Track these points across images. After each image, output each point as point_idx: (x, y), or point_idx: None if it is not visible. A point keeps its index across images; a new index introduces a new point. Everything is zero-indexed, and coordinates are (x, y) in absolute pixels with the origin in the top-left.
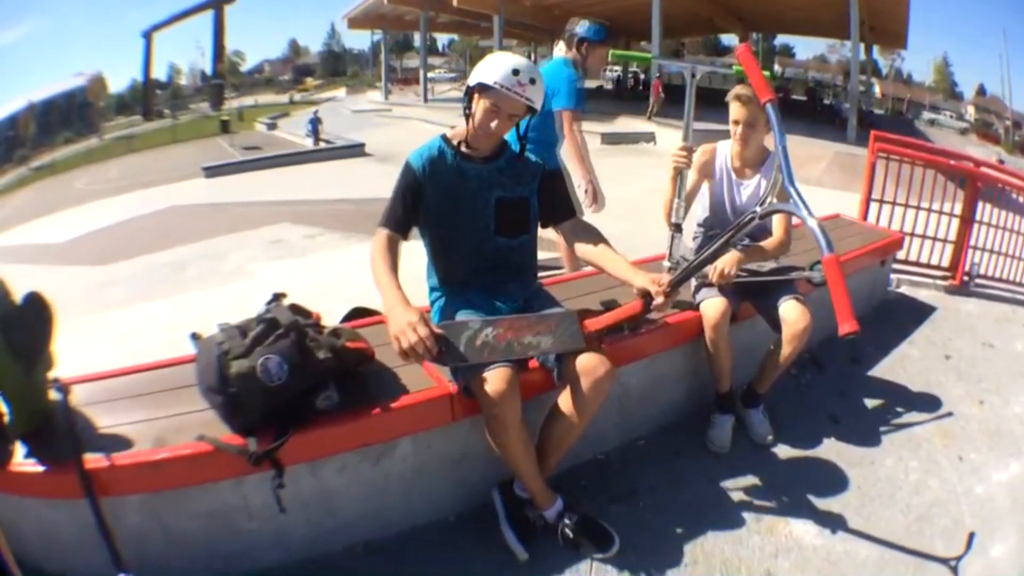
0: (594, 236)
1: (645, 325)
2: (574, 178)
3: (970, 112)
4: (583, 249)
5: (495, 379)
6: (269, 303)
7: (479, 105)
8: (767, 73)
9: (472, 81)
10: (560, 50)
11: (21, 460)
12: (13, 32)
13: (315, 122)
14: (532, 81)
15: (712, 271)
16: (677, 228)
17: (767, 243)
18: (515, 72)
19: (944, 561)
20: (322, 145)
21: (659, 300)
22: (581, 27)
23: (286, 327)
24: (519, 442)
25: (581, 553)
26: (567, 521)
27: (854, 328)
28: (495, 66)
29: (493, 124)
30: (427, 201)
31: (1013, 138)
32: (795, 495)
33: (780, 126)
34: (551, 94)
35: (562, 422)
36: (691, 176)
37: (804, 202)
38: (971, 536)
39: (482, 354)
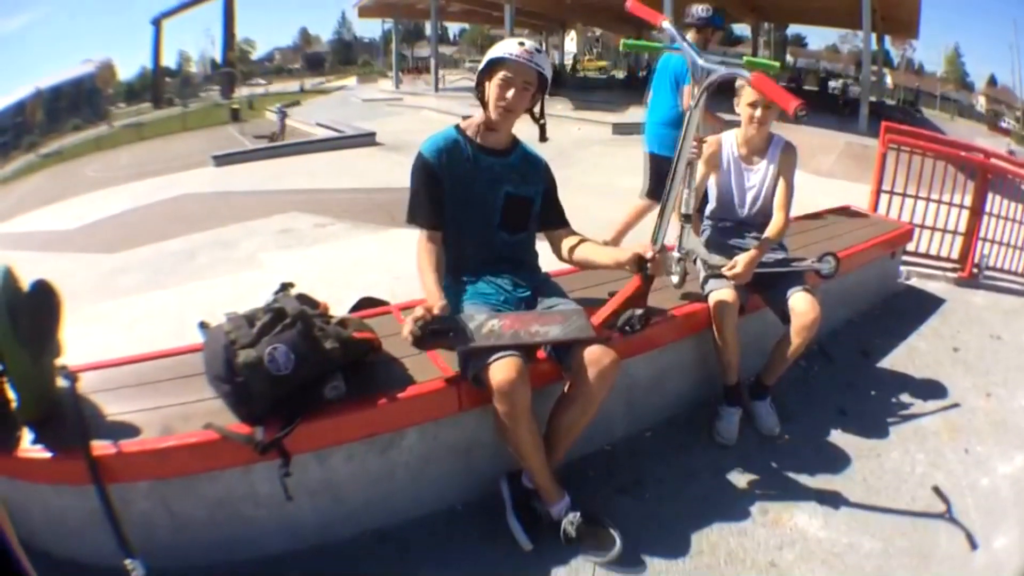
0: (580, 239)
1: (655, 316)
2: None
3: (981, 103)
4: (573, 254)
5: (504, 367)
6: (276, 293)
7: (492, 83)
8: (778, 63)
9: (482, 65)
10: (691, 36)
11: (28, 446)
12: (21, 17)
13: (282, 117)
14: (538, 51)
15: (728, 268)
16: (687, 219)
17: (770, 229)
18: (520, 44)
19: (947, 554)
20: (288, 140)
21: (649, 255)
22: (705, 11)
23: (293, 317)
24: (528, 433)
25: (581, 552)
26: (571, 519)
27: (799, 101)
28: (501, 45)
29: (510, 94)
30: (446, 189)
31: None
32: (801, 487)
33: (680, 32)
34: (681, 77)
35: (569, 412)
36: (699, 169)
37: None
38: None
39: (488, 339)
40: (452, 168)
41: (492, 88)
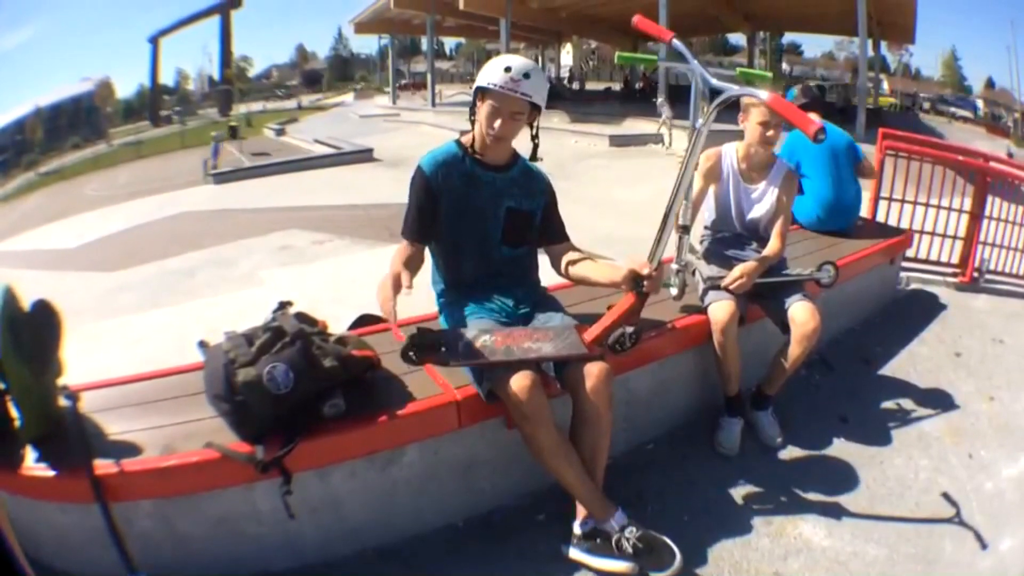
0: (583, 257)
1: (649, 332)
2: None
3: (979, 106)
4: (570, 270)
5: (519, 379)
6: (275, 311)
7: (482, 109)
8: (770, 73)
9: (474, 86)
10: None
11: (32, 464)
12: (19, 35)
13: (218, 145)
14: (526, 76)
15: (728, 277)
16: (684, 230)
17: (767, 251)
18: (507, 70)
19: (952, 560)
20: (222, 168)
21: (645, 271)
22: (819, 89)
23: (292, 335)
24: (555, 443)
25: (642, 566)
26: (627, 534)
27: (818, 124)
28: (490, 68)
29: (496, 124)
30: (444, 205)
31: (1022, 131)
32: (804, 496)
33: (691, 54)
34: (846, 151)
35: (585, 435)
36: (696, 182)
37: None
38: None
39: (481, 355)
40: (451, 183)
41: (482, 115)
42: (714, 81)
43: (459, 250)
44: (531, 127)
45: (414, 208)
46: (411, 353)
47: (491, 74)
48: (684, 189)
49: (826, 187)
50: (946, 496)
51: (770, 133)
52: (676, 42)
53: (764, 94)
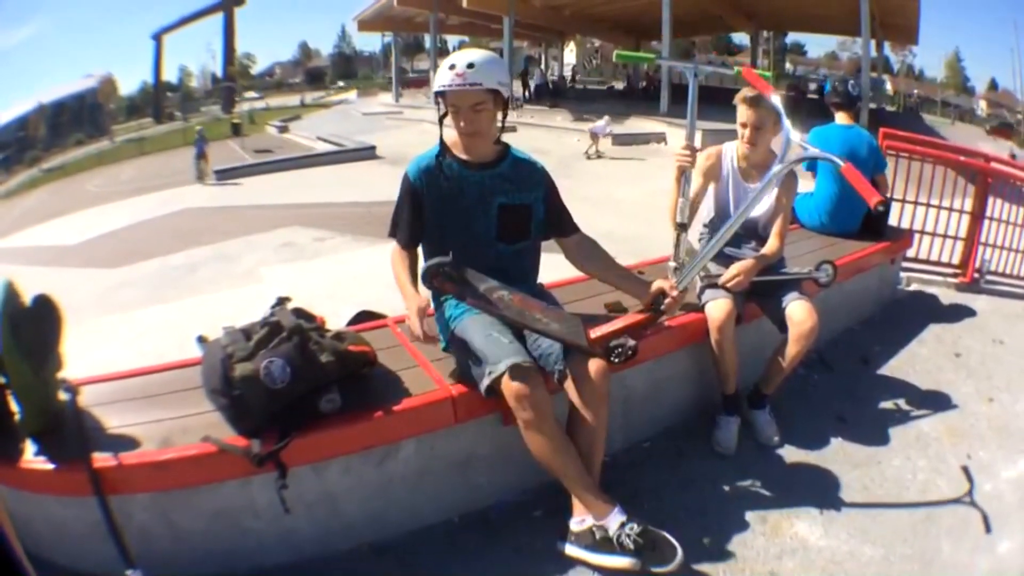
0: (598, 252)
1: (649, 328)
2: None
3: (982, 107)
4: (589, 265)
5: (519, 373)
6: (273, 307)
7: (448, 112)
8: (769, 73)
9: (432, 92)
10: (841, 118)
11: (31, 457)
12: (22, 32)
13: (201, 143)
14: (470, 66)
15: (726, 275)
16: (682, 228)
17: (766, 250)
18: (451, 67)
19: (950, 560)
20: (213, 167)
21: (672, 296)
22: (852, 87)
23: (289, 331)
24: (555, 439)
25: (643, 562)
26: (627, 531)
27: (881, 199)
28: (440, 72)
29: (462, 124)
30: (428, 209)
31: None
32: (801, 496)
33: (784, 112)
34: (865, 160)
35: (581, 431)
36: (696, 180)
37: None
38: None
39: (498, 304)
40: (435, 188)
41: (449, 117)
42: (796, 139)
43: (450, 252)
44: (503, 112)
45: (404, 213)
46: (433, 280)
47: (441, 77)
48: (733, 229)
49: (834, 191)
50: (945, 497)
51: (748, 134)
52: (775, 98)
53: (839, 160)
